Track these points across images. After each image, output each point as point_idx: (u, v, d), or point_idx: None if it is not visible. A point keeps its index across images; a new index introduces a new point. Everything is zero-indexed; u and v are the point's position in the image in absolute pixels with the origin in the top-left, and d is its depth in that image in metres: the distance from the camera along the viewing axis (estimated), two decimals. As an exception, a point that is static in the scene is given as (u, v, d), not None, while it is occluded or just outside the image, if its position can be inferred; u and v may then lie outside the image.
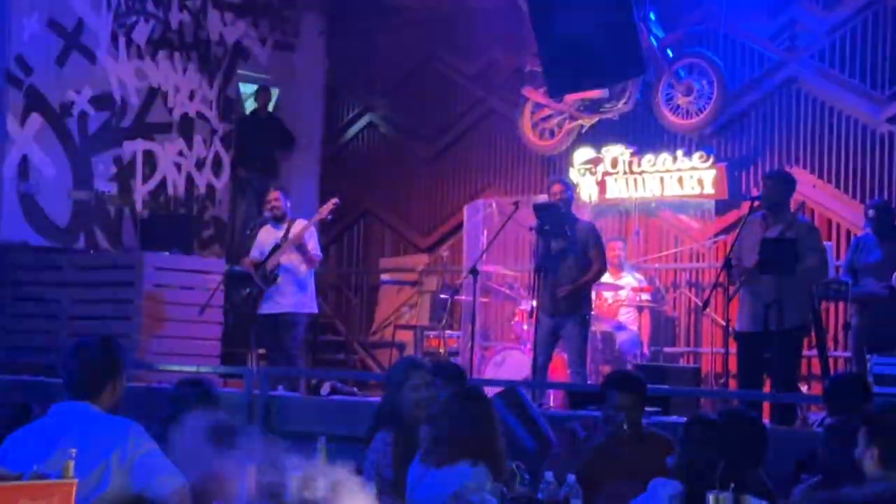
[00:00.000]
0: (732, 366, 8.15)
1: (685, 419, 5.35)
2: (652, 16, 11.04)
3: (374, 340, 12.51)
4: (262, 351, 10.13)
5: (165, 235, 11.52)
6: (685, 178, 10.96)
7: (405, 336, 11.85)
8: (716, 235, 10.86)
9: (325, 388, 9.67)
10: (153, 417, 4.38)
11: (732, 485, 4.04)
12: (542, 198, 9.42)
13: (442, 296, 11.39)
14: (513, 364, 9.87)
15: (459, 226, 12.13)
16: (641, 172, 11.20)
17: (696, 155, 10.93)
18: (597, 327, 9.93)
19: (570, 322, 8.63)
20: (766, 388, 8.10)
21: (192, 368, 9.33)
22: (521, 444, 6.07)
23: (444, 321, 11.27)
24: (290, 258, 9.59)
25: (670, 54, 11.05)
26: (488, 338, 11.41)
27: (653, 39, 10.91)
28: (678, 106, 11.02)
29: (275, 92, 13.49)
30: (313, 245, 9.66)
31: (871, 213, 8.90)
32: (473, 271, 9.18)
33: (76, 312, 10.62)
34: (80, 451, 3.78)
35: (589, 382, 8.83)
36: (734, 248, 8.04)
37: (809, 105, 10.72)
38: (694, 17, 11.37)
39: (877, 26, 10.39)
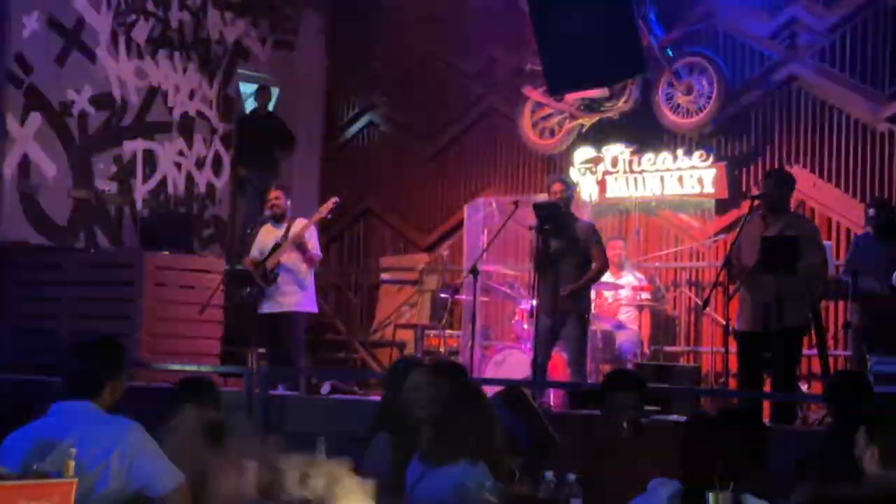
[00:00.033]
0: (732, 365, 8.14)
1: (685, 418, 5.35)
2: (652, 15, 11.04)
3: (375, 339, 12.50)
4: (262, 350, 10.13)
5: (165, 234, 11.52)
6: (685, 177, 10.97)
7: (405, 335, 11.84)
8: (716, 234, 10.86)
9: (326, 388, 9.68)
10: (153, 416, 4.37)
11: (732, 484, 4.03)
12: (542, 197, 9.42)
13: (442, 295, 11.39)
14: (513, 363, 9.87)
15: (460, 225, 12.13)
16: (641, 171, 11.20)
17: (697, 154, 10.93)
18: (597, 326, 9.94)
19: (570, 321, 8.63)
20: (767, 388, 8.09)
21: (192, 368, 9.34)
22: (521, 444, 6.07)
23: (444, 320, 11.27)
24: (290, 257, 9.58)
25: (670, 53, 11.04)
26: (488, 337, 11.40)
27: (653, 38, 10.91)
28: (678, 105, 11.02)
29: (275, 91, 13.48)
30: (313, 244, 9.66)
31: (871, 212, 8.91)
32: (474, 270, 9.17)
33: (76, 311, 10.62)
34: (80, 449, 3.78)
35: (589, 381, 8.84)
36: (734, 247, 8.04)
37: (809, 104, 10.72)
38: (694, 15, 11.37)
39: (877, 25, 10.39)
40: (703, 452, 4.34)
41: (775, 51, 10.94)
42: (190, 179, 12.67)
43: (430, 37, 13.16)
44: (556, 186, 8.98)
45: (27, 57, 11.34)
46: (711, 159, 10.88)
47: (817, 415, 8.06)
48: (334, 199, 9.69)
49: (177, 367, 9.50)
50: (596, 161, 11.49)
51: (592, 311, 9.83)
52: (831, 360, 9.23)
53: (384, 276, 13.07)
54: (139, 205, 12.20)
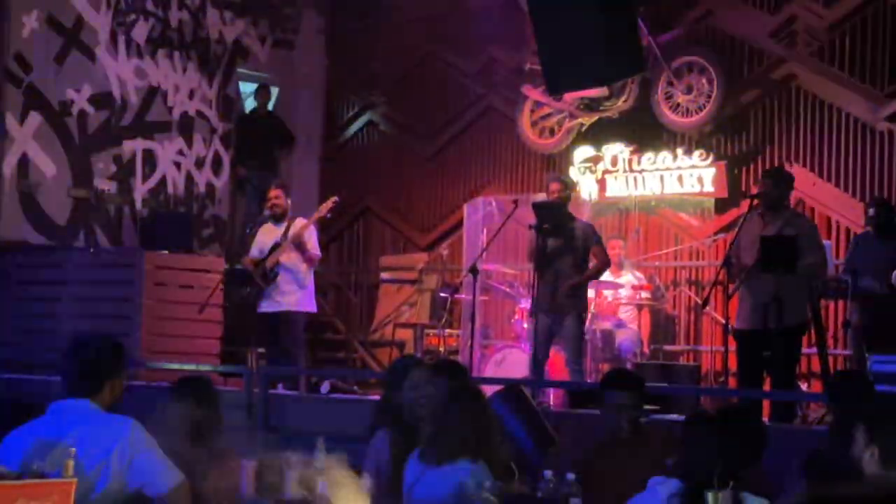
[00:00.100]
0: (732, 364, 8.15)
1: (684, 417, 5.35)
2: (652, 14, 11.03)
3: (374, 339, 12.50)
4: (261, 350, 10.13)
5: (165, 234, 11.53)
6: (685, 176, 10.97)
7: (405, 335, 11.85)
8: (715, 233, 10.86)
9: (325, 387, 9.68)
10: (152, 416, 4.37)
11: (731, 483, 4.03)
12: (542, 196, 9.42)
13: (442, 294, 11.39)
14: (513, 362, 9.87)
15: (459, 224, 12.13)
16: (641, 171, 11.20)
17: (696, 153, 10.94)
18: (596, 325, 9.94)
19: (568, 320, 8.64)
20: (766, 387, 8.09)
21: (192, 367, 9.34)
22: (520, 443, 6.07)
23: (443, 320, 11.27)
24: (289, 257, 9.58)
25: (670, 52, 11.04)
26: (488, 336, 11.40)
27: (653, 37, 10.90)
28: (678, 104, 11.02)
29: (274, 90, 13.49)
30: (312, 244, 9.66)
31: (870, 211, 8.91)
32: (473, 270, 9.17)
33: (76, 311, 10.62)
34: (79, 448, 3.79)
35: (589, 381, 8.84)
36: (733, 246, 8.04)
37: (809, 103, 10.72)
38: (694, 14, 11.37)
39: (876, 24, 10.39)
40: (702, 451, 4.35)
41: (775, 49, 10.94)
42: (189, 179, 12.67)
43: (430, 37, 13.17)
44: (554, 186, 8.98)
45: (26, 56, 11.34)
46: (711, 158, 10.88)
47: (817, 414, 8.06)
48: (334, 199, 9.69)
49: (176, 366, 9.51)
50: (595, 160, 11.49)
51: (591, 310, 9.85)
52: (831, 360, 9.23)
53: (384, 275, 13.07)
54: (139, 204, 12.20)
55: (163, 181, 12.46)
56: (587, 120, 11.63)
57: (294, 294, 9.59)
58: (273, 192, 9.89)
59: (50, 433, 4.00)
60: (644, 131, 11.35)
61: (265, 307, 9.63)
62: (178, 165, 12.58)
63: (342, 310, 13.34)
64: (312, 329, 11.32)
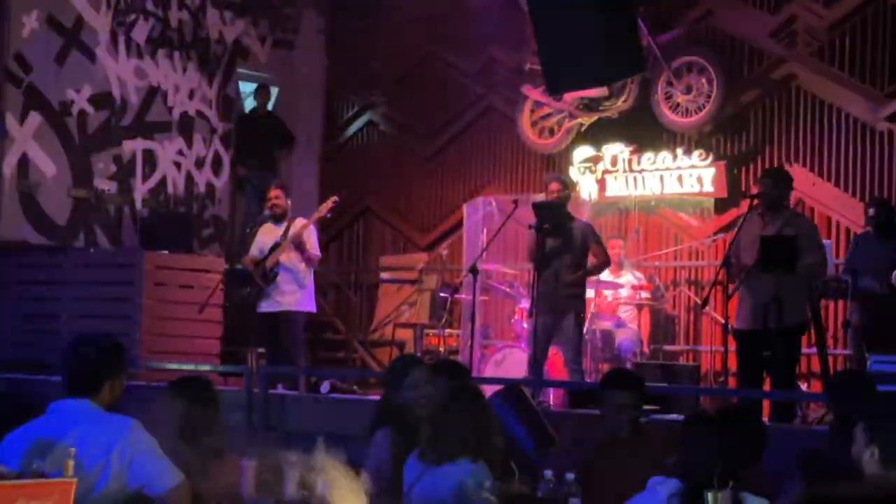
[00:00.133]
0: (732, 364, 8.15)
1: (684, 417, 5.35)
2: (652, 14, 11.03)
3: (374, 339, 12.50)
4: (261, 350, 10.14)
5: (165, 234, 11.53)
6: (685, 176, 10.97)
7: (405, 334, 11.85)
8: (715, 233, 10.86)
9: (325, 387, 9.68)
10: (152, 415, 4.37)
11: (731, 483, 4.03)
12: (541, 196, 9.42)
13: (442, 294, 11.39)
14: (513, 362, 9.87)
15: (459, 224, 12.14)
16: (641, 171, 11.20)
17: (696, 153, 10.94)
18: (596, 325, 9.95)
19: (566, 319, 8.64)
20: (766, 386, 8.09)
21: (192, 367, 9.34)
22: (520, 443, 6.07)
23: (443, 319, 11.28)
24: (289, 257, 9.58)
25: (670, 52, 11.04)
26: (488, 336, 11.40)
27: (653, 37, 10.90)
28: (678, 104, 11.02)
29: (274, 90, 13.49)
30: (312, 244, 9.66)
31: (870, 211, 8.91)
32: (473, 270, 9.17)
33: (76, 311, 10.63)
34: (79, 448, 3.78)
35: (588, 381, 8.84)
36: (733, 246, 8.04)
37: (809, 103, 10.72)
38: (694, 14, 11.37)
39: (876, 24, 10.39)
40: (702, 451, 4.35)
41: (774, 49, 10.94)
42: (189, 179, 12.67)
43: (430, 37, 13.17)
44: (553, 186, 8.99)
45: (26, 56, 11.34)
46: (711, 158, 10.88)
47: (816, 413, 8.06)
48: (334, 199, 9.69)
49: (176, 366, 9.51)
50: (595, 160, 11.49)
51: (592, 309, 9.86)
52: (830, 359, 9.23)
53: (384, 275, 13.07)
54: (139, 204, 12.19)
55: (163, 181, 12.46)
56: (587, 120, 11.63)
57: (294, 294, 9.59)
58: (273, 192, 9.89)
59: (50, 433, 4.00)
60: (644, 131, 11.35)
61: (265, 307, 9.64)
62: (178, 165, 12.58)
63: (342, 310, 13.34)
64: (312, 329, 11.32)
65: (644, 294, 10.50)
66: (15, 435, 4.11)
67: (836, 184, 10.46)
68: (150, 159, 12.35)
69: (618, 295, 10.40)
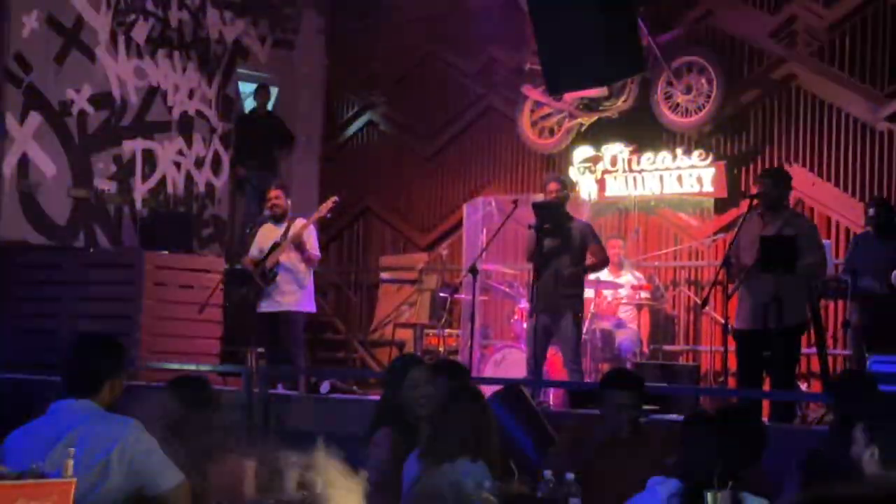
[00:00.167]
0: (732, 364, 8.15)
1: (684, 417, 5.35)
2: (652, 14, 11.03)
3: (374, 339, 12.50)
4: (261, 350, 10.14)
5: (165, 234, 11.53)
6: (684, 176, 10.97)
7: (405, 334, 11.85)
8: (715, 233, 10.86)
9: (325, 387, 9.68)
10: (150, 415, 4.37)
11: (731, 483, 4.03)
12: (541, 196, 9.42)
13: (441, 294, 11.39)
14: (512, 362, 9.87)
15: (459, 224, 12.13)
16: (641, 171, 11.20)
17: (696, 153, 10.94)
18: (596, 325, 9.95)
19: (565, 319, 8.64)
20: (766, 386, 8.10)
21: (192, 367, 9.33)
22: (519, 444, 6.07)
23: (443, 319, 11.28)
24: (289, 257, 9.58)
25: (670, 52, 11.04)
26: (488, 336, 11.40)
27: (653, 37, 10.90)
28: (677, 104, 11.02)
29: (274, 90, 13.49)
30: (312, 244, 9.66)
31: (870, 211, 8.91)
32: (473, 270, 9.17)
33: (76, 311, 10.62)
34: (80, 448, 3.79)
35: (588, 381, 8.84)
36: (733, 246, 8.04)
37: (809, 103, 10.72)
38: (694, 14, 11.37)
39: (876, 24, 10.39)
40: (701, 451, 4.35)
41: (774, 49, 10.94)
42: (189, 179, 12.67)
43: (430, 37, 13.17)
44: (552, 186, 9.00)
45: (26, 56, 11.34)
46: (710, 158, 10.88)
47: (817, 414, 8.06)
48: (334, 199, 9.69)
49: (176, 366, 9.50)
50: (595, 160, 11.49)
51: (591, 309, 9.86)
52: (830, 360, 9.23)
53: (383, 275, 13.08)
54: (139, 204, 12.20)
55: (162, 181, 12.46)
56: (587, 120, 11.63)
57: (294, 294, 9.59)
58: (273, 193, 9.89)
59: (50, 433, 4.01)
60: (643, 131, 11.35)
61: (265, 307, 9.64)
62: (177, 165, 12.58)
63: (342, 310, 13.34)
64: (312, 329, 11.32)
65: (644, 294, 10.50)
66: (16, 435, 4.11)
67: (836, 184, 10.46)
68: (149, 159, 12.36)
69: (617, 295, 10.40)
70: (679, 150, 11.04)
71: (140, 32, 12.27)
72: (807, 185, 10.40)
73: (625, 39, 9.90)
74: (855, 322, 8.68)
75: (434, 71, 13.25)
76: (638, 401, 5.67)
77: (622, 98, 11.27)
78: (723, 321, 8.68)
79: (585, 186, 11.45)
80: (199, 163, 12.75)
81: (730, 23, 11.18)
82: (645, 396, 5.89)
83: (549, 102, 11.70)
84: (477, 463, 4.75)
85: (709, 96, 10.83)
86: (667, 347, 10.80)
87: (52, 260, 11.13)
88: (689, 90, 10.91)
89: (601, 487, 4.99)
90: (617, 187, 11.36)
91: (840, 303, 9.57)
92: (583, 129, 11.71)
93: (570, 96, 11.42)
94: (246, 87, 13.57)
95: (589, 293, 9.95)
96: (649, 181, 11.15)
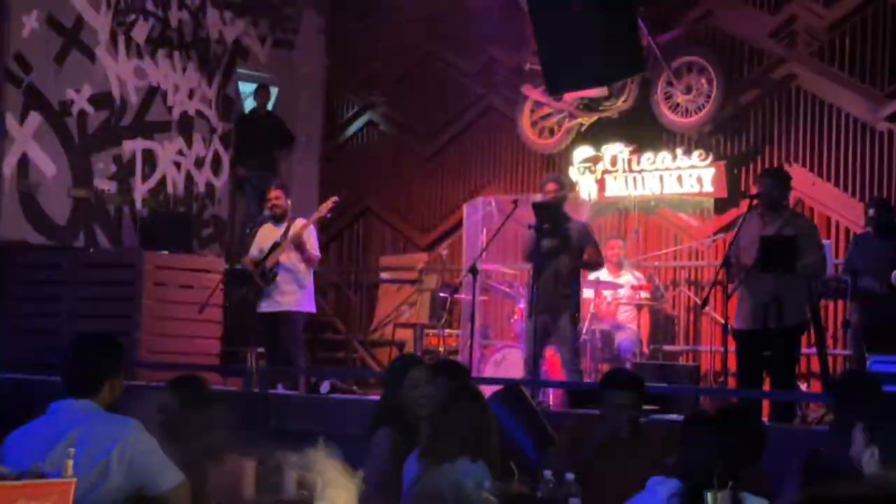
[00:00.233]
0: (731, 364, 8.15)
1: (684, 417, 5.35)
2: (652, 14, 11.03)
3: (374, 339, 12.50)
4: (261, 350, 10.14)
5: (165, 234, 11.53)
6: (684, 176, 10.97)
7: (405, 334, 11.85)
8: (715, 233, 10.86)
9: (325, 387, 9.68)
10: (148, 416, 4.37)
11: (731, 483, 4.03)
12: (539, 196, 9.43)
13: (441, 294, 11.39)
14: (512, 362, 9.87)
15: (459, 224, 12.14)
16: (641, 171, 11.20)
17: (696, 153, 10.94)
18: (596, 326, 9.95)
19: (562, 319, 8.65)
20: (766, 387, 8.10)
21: (192, 367, 9.32)
22: (519, 444, 6.07)
23: (443, 319, 11.28)
24: (289, 257, 9.59)
25: (670, 52, 11.04)
26: (488, 336, 11.40)
27: (652, 37, 10.90)
28: (677, 104, 11.02)
29: (274, 90, 13.49)
30: (312, 244, 9.66)
31: (870, 211, 8.91)
32: (473, 270, 9.17)
33: (76, 311, 10.62)
34: (80, 448, 3.79)
35: (588, 381, 8.84)
36: (733, 246, 8.04)
37: (808, 103, 10.72)
38: (694, 14, 11.37)
39: (876, 24, 10.39)
40: (701, 451, 4.35)
41: (774, 49, 10.94)
42: (189, 179, 12.67)
43: (430, 37, 13.17)
44: (550, 186, 9.01)
45: (26, 56, 11.34)
46: (710, 158, 10.88)
47: (816, 414, 8.06)
48: (334, 199, 9.69)
49: (176, 366, 9.50)
50: (595, 160, 11.49)
51: (591, 310, 9.86)
52: (830, 360, 9.24)
53: (383, 275, 13.08)
54: (139, 204, 12.20)
55: (162, 181, 12.46)
56: (587, 120, 11.63)
57: (294, 294, 9.60)
58: (273, 193, 9.89)
59: (50, 433, 4.01)
60: (643, 131, 11.35)
61: (265, 307, 9.64)
62: (177, 165, 12.58)
63: (342, 310, 13.34)
64: (312, 329, 11.32)
65: (644, 294, 10.50)
66: (15, 435, 4.11)
67: (836, 184, 10.46)
68: (149, 159, 12.36)
69: (617, 295, 10.40)
70: (679, 151, 11.04)
71: (140, 32, 12.27)
72: (807, 185, 10.41)
73: (625, 39, 9.90)
74: (855, 322, 8.68)
75: (434, 71, 13.25)
76: (638, 401, 5.67)
77: (622, 98, 11.27)
78: (723, 321, 8.68)
79: (585, 186, 11.45)
80: (199, 163, 12.75)
81: (730, 23, 11.18)
82: (645, 396, 5.89)
83: (549, 102, 11.70)
84: (477, 463, 4.75)
85: (709, 96, 10.83)
86: (667, 347, 10.79)
87: (52, 260, 11.13)
88: (689, 90, 10.91)
89: (601, 487, 4.99)
90: (617, 187, 11.36)
91: (840, 303, 9.57)
92: (583, 129, 11.71)
93: (570, 96, 11.42)
94: (246, 87, 13.56)
95: (589, 294, 9.95)
96: (649, 181, 11.15)
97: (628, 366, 9.50)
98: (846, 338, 9.31)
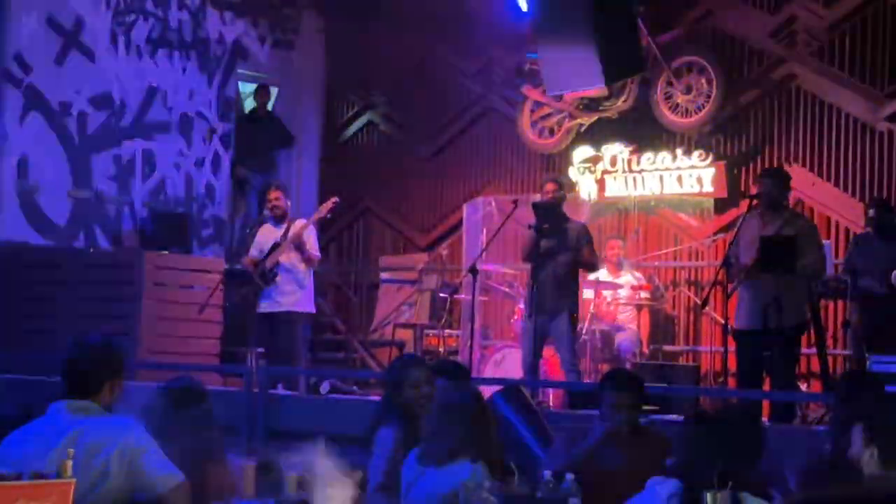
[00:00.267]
0: (731, 364, 8.15)
1: (683, 418, 5.34)
2: (652, 14, 11.03)
3: (374, 339, 12.49)
4: (261, 350, 10.14)
5: (165, 234, 11.52)
6: (684, 176, 10.97)
7: (405, 335, 11.84)
8: (715, 234, 10.87)
9: (325, 387, 9.68)
10: (146, 417, 4.38)
11: (731, 483, 4.03)
12: (538, 196, 9.43)
13: (441, 294, 11.39)
14: (512, 362, 9.87)
15: (459, 224, 12.14)
16: (641, 171, 11.20)
17: (696, 153, 10.94)
18: (596, 326, 9.95)
19: (560, 320, 8.65)
20: (766, 387, 8.10)
21: (192, 367, 9.32)
22: (524, 442, 6.07)
23: (443, 320, 11.27)
24: (289, 257, 9.59)
25: (670, 52, 11.04)
26: (488, 336, 11.41)
27: (652, 37, 10.90)
28: (677, 104, 11.02)
29: (274, 91, 13.49)
30: (312, 244, 9.66)
31: (870, 211, 8.91)
32: (473, 270, 9.17)
33: (76, 311, 10.61)
34: (80, 449, 3.79)
35: (588, 381, 8.84)
36: (733, 246, 8.04)
37: (808, 103, 10.72)
38: (694, 14, 11.37)
39: (876, 24, 10.39)
40: (701, 451, 4.34)
41: (774, 49, 10.94)
42: (189, 179, 12.67)
43: (430, 36, 13.16)
44: (549, 186, 9.02)
45: (26, 57, 11.33)
46: (710, 158, 10.88)
47: (816, 414, 8.06)
48: (334, 199, 9.69)
49: (176, 366, 9.50)
50: (595, 160, 11.49)
51: (591, 310, 9.86)
52: (830, 360, 9.24)
53: (383, 275, 13.07)
54: (138, 205, 12.19)
55: (162, 182, 12.45)
56: (587, 120, 11.62)
57: (294, 294, 9.60)
58: (273, 193, 9.89)
59: (50, 433, 4.01)
60: (643, 131, 11.36)
61: (265, 307, 9.64)
62: (177, 166, 12.57)
63: (342, 310, 13.33)
64: (312, 329, 11.31)
65: (644, 294, 10.50)
66: (15, 435, 4.11)
67: (836, 184, 10.46)
68: (149, 160, 12.35)
69: (617, 295, 10.39)
70: (679, 151, 11.04)
71: (140, 33, 12.26)
72: (807, 185, 10.41)
73: (625, 39, 9.90)
74: (855, 322, 8.69)
75: (434, 71, 13.24)
76: (637, 401, 5.67)
77: (622, 98, 11.27)
78: (723, 321, 8.68)
79: (585, 186, 11.45)
80: (199, 163, 12.74)
81: (730, 23, 11.19)
82: (644, 397, 5.89)
83: (549, 102, 11.69)
84: (477, 463, 4.74)
85: (709, 96, 10.83)
86: (667, 348, 10.79)
87: (52, 260, 11.12)
88: (688, 90, 10.91)
89: (601, 487, 4.99)
90: (617, 187, 11.37)
91: (840, 303, 9.57)
92: (583, 129, 11.71)
93: (570, 96, 11.42)
94: (246, 87, 13.56)
95: (588, 294, 9.96)
96: (649, 181, 11.15)
97: (628, 366, 9.50)
98: (846, 338, 9.31)
